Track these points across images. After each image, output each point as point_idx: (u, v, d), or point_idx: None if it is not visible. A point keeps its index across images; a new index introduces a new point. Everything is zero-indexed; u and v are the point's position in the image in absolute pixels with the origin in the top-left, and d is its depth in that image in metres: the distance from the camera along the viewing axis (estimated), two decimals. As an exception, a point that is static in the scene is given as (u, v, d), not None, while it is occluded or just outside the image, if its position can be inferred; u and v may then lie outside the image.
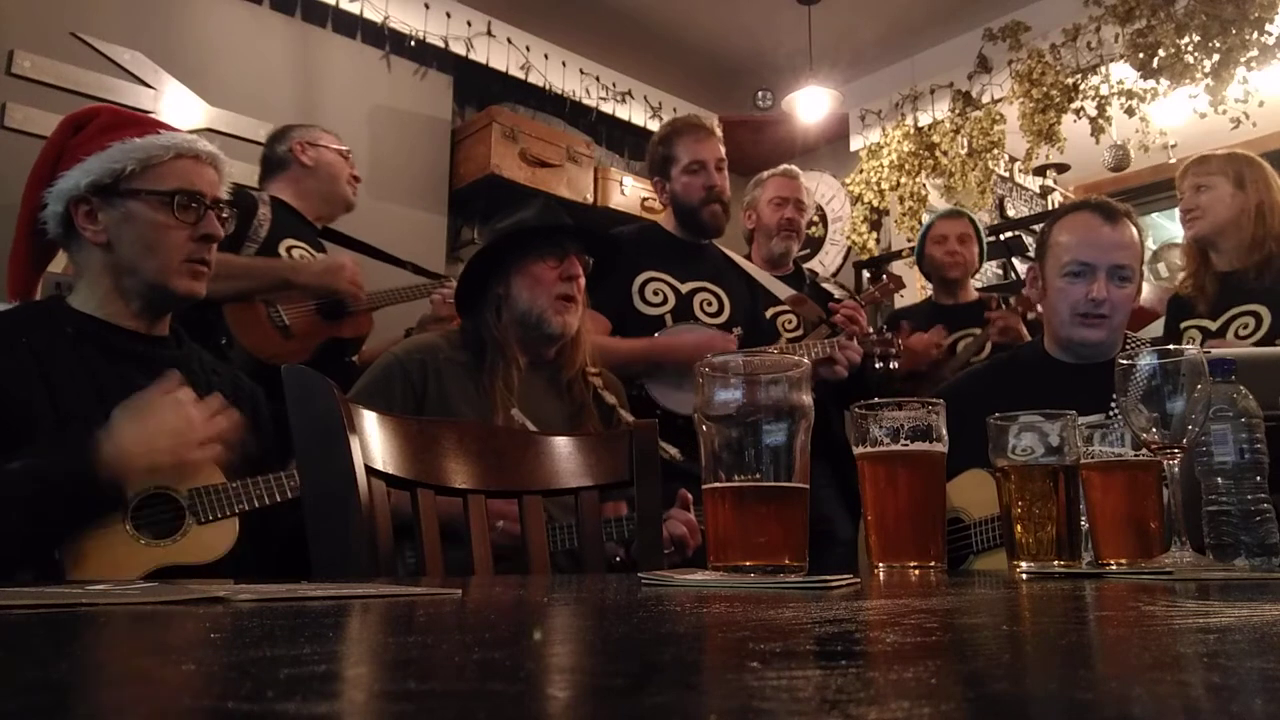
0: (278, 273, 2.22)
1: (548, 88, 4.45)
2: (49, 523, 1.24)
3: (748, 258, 2.92)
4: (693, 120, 2.60)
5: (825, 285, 2.99)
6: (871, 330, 2.50)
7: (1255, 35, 3.45)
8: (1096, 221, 1.71)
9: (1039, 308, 1.96)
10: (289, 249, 2.33)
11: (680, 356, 2.21)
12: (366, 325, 2.44)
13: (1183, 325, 2.31)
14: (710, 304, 2.46)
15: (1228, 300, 2.26)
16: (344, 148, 2.58)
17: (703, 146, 2.51)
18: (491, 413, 1.71)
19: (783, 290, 2.67)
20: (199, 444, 1.32)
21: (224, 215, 1.50)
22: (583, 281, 1.86)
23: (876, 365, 2.43)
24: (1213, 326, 2.26)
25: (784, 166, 3.00)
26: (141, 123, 1.49)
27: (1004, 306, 2.76)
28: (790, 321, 2.67)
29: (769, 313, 2.66)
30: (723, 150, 2.60)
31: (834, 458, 2.32)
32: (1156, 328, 2.65)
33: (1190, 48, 3.56)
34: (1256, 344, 2.11)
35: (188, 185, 1.43)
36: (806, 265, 3.14)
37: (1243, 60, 3.47)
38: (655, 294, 2.40)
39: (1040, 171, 5.18)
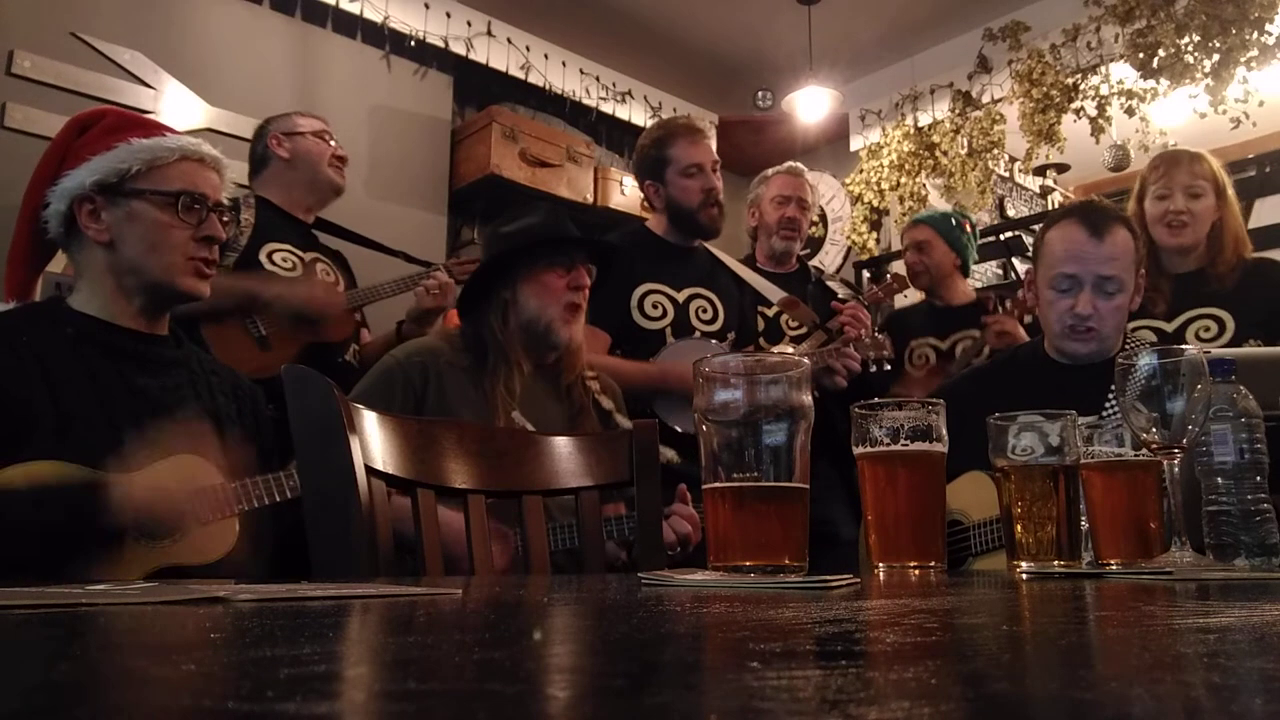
0: (245, 289, 2.17)
1: (548, 88, 4.45)
2: (44, 552, 1.23)
3: (752, 254, 2.92)
4: (686, 122, 2.57)
5: (830, 283, 2.97)
6: (863, 333, 2.49)
7: (1255, 35, 3.45)
8: (1082, 235, 1.69)
9: (1037, 310, 1.95)
10: (270, 254, 2.28)
11: (690, 385, 2.17)
12: (349, 327, 2.39)
13: (1133, 325, 2.18)
14: (705, 311, 2.45)
15: (1184, 302, 2.19)
16: (323, 128, 2.51)
17: (698, 149, 2.49)
18: (492, 416, 1.71)
19: (774, 292, 2.65)
20: (195, 518, 1.32)
21: (225, 218, 1.51)
22: (588, 291, 1.87)
23: (871, 369, 2.43)
24: (1169, 328, 2.19)
25: (788, 163, 2.97)
26: (147, 125, 1.49)
27: (1001, 309, 2.75)
28: (794, 322, 2.67)
29: (771, 311, 2.66)
30: (715, 152, 2.58)
31: (837, 458, 2.32)
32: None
33: (1190, 48, 3.57)
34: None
35: (192, 187, 1.44)
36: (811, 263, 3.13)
37: (1243, 60, 3.47)
38: (654, 307, 2.39)
39: (1040, 171, 5.19)
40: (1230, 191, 2.26)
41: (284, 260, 2.32)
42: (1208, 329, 2.15)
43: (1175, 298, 2.21)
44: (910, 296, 3.73)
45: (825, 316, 2.62)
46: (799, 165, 2.97)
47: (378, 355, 2.42)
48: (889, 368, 2.48)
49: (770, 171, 2.93)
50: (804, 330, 2.64)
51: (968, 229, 3.03)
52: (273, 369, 1.84)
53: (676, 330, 2.39)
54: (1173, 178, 2.24)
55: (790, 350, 2.53)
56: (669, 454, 1.78)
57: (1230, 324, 2.13)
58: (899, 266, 4.54)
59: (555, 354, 1.84)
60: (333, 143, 2.51)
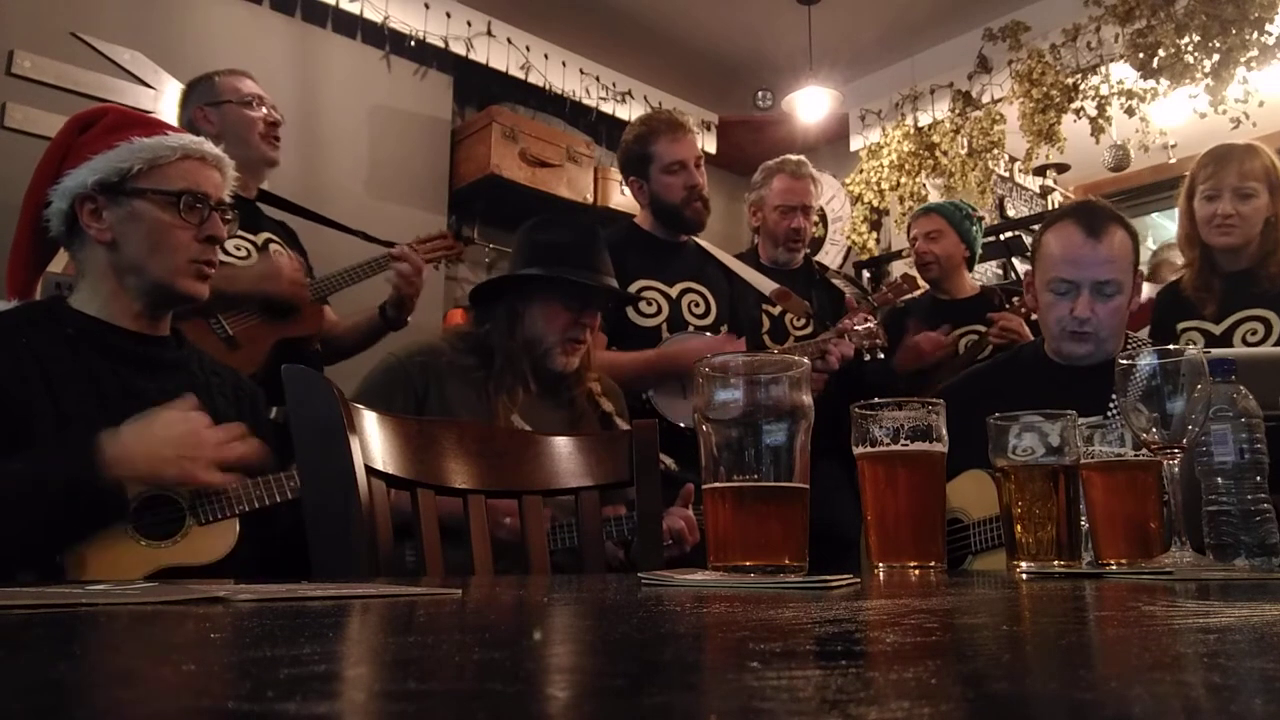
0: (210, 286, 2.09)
1: (548, 88, 4.45)
2: (48, 525, 1.24)
3: (754, 250, 2.91)
4: (669, 118, 2.54)
5: (836, 281, 2.94)
6: (857, 321, 2.47)
7: (1255, 35, 3.45)
8: (1078, 237, 1.68)
9: (1036, 313, 1.94)
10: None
11: (687, 363, 2.16)
12: (318, 319, 2.28)
13: (1181, 326, 2.16)
14: (698, 305, 2.46)
15: (1234, 303, 2.12)
16: (250, 91, 2.28)
17: (681, 145, 2.47)
18: (493, 420, 1.71)
19: (765, 284, 2.64)
20: (207, 464, 1.31)
21: (228, 217, 1.50)
22: (596, 327, 1.87)
23: (865, 357, 2.42)
24: (1217, 330, 2.11)
25: (793, 161, 2.85)
26: (149, 123, 1.49)
27: (1009, 305, 2.73)
28: (799, 320, 2.66)
29: (777, 310, 2.66)
30: (699, 146, 2.55)
31: (845, 458, 2.31)
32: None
33: (1190, 48, 3.56)
34: None
35: (194, 186, 1.44)
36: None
37: (1243, 60, 3.47)
38: (649, 304, 2.39)
39: (1040, 171, 5.18)
40: None
41: (237, 249, 2.17)
42: (1255, 331, 2.08)
43: (1225, 298, 2.14)
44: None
45: (832, 316, 2.61)
46: (803, 163, 2.86)
47: (355, 338, 2.39)
48: (882, 356, 2.47)
49: (773, 165, 2.85)
50: (808, 329, 2.64)
51: (976, 220, 2.99)
52: (243, 369, 1.79)
53: (671, 326, 2.39)
54: (1221, 179, 2.14)
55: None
56: (667, 461, 1.78)
57: (1277, 324, 2.06)
58: (899, 267, 4.55)
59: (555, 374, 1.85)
60: (263, 109, 2.29)
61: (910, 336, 2.71)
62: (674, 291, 2.44)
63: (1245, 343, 2.08)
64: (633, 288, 2.37)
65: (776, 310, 2.65)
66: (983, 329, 2.69)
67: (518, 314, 1.81)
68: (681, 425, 2.22)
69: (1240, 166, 2.13)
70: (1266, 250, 2.14)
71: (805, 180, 2.82)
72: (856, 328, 2.42)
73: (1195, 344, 2.08)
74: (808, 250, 2.92)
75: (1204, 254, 2.19)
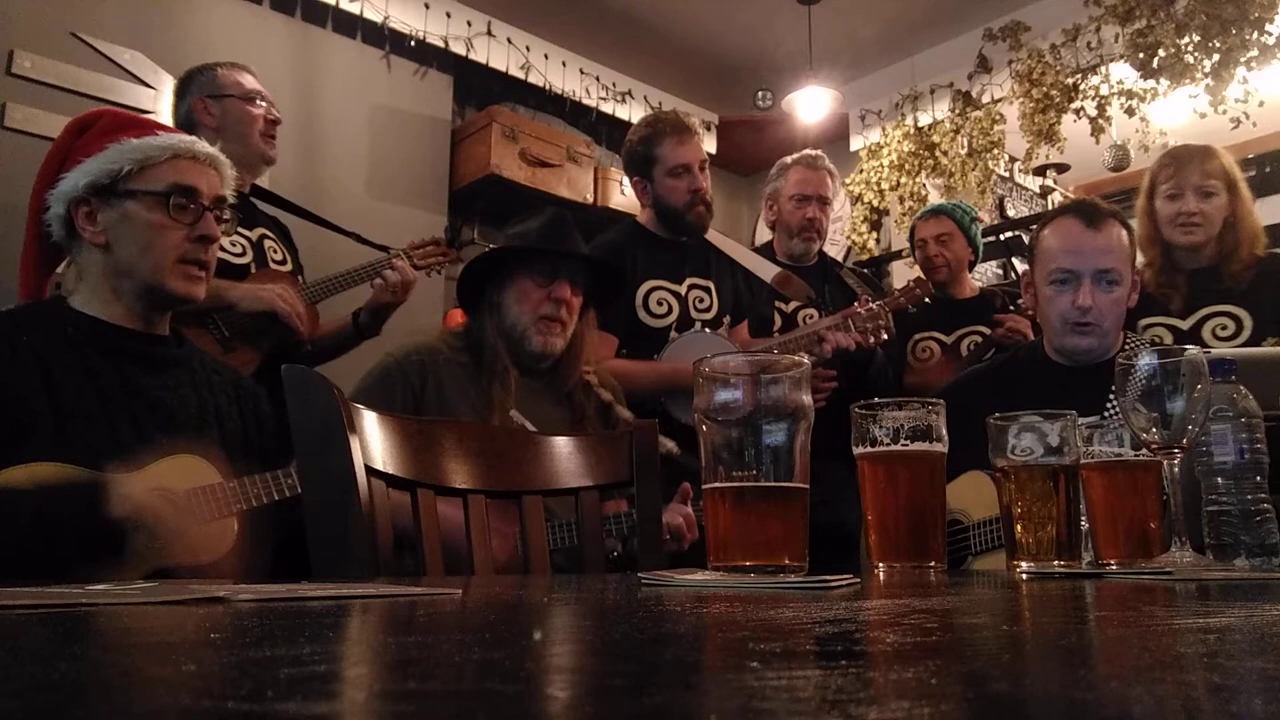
0: (210, 291, 2.03)
1: (548, 88, 4.45)
2: (51, 558, 1.24)
3: (769, 245, 2.90)
4: (676, 120, 2.52)
5: (848, 279, 2.93)
6: (860, 310, 2.46)
7: (1255, 35, 3.45)
8: (1078, 228, 1.69)
9: (1035, 313, 1.94)
10: None
11: None
12: (313, 324, 2.26)
13: (1145, 322, 2.16)
14: (702, 301, 2.47)
15: (1200, 299, 2.15)
16: (253, 87, 2.26)
17: (686, 149, 2.47)
18: (490, 414, 1.72)
19: (768, 271, 2.64)
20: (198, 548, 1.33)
21: (225, 216, 1.50)
22: (575, 304, 1.86)
23: (870, 340, 2.42)
24: (1184, 326, 2.14)
25: (808, 154, 2.85)
26: (142, 124, 1.49)
27: (1013, 308, 2.72)
28: (812, 316, 2.66)
29: (789, 308, 2.66)
30: (704, 149, 2.54)
31: (849, 459, 2.30)
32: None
33: (1190, 48, 3.56)
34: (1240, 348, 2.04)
35: (183, 184, 1.43)
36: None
37: (1243, 60, 3.47)
38: (660, 304, 2.40)
39: (1040, 171, 5.18)
40: (1243, 186, 2.20)
41: (233, 244, 2.13)
42: (1225, 327, 2.11)
43: (1190, 294, 2.17)
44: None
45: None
46: (819, 156, 2.85)
47: (331, 343, 2.37)
48: (886, 337, 2.46)
49: (789, 160, 2.85)
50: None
51: (977, 220, 2.98)
52: (240, 368, 1.78)
53: (680, 325, 2.40)
54: (1184, 177, 2.19)
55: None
56: (669, 445, 1.78)
57: (1248, 322, 2.09)
58: (899, 267, 4.54)
59: (539, 362, 1.85)
60: (262, 104, 2.26)
61: (923, 362, 2.73)
62: (682, 289, 2.45)
63: (1216, 337, 2.11)
64: (643, 288, 2.38)
65: (789, 307, 2.65)
66: (985, 329, 2.69)
67: (495, 303, 1.83)
68: (688, 423, 2.24)
69: (1201, 166, 2.18)
70: (1227, 249, 2.17)
71: (821, 172, 2.81)
72: (859, 311, 2.41)
73: (1161, 340, 2.12)
74: (821, 246, 2.90)
75: (1165, 252, 2.23)
